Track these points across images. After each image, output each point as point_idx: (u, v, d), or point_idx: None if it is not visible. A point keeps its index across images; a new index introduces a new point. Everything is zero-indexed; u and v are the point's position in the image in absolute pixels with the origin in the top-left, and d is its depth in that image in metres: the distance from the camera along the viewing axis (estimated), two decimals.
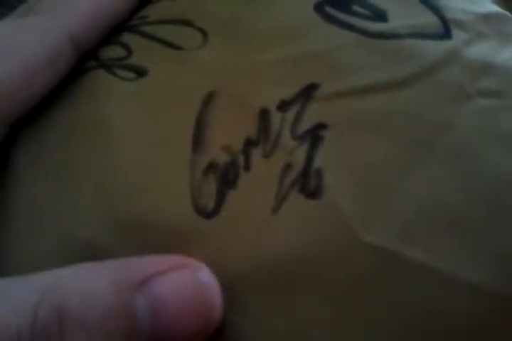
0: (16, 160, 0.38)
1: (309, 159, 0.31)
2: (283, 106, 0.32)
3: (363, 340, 0.30)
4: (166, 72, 0.35)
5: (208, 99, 0.33)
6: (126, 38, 0.39)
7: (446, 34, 0.37)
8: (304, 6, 0.36)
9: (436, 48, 0.36)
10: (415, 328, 0.30)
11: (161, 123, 0.33)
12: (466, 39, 0.38)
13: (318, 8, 0.36)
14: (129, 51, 0.37)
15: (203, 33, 0.36)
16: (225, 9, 0.37)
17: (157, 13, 0.39)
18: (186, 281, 0.29)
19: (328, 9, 0.36)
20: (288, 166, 0.31)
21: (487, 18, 0.41)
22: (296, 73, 0.34)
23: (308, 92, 0.33)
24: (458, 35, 0.37)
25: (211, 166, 0.31)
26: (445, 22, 0.38)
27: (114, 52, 0.38)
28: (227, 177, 0.31)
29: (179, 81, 0.35)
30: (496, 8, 0.45)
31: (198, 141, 0.32)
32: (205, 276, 0.30)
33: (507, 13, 0.46)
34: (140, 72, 0.35)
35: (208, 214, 0.31)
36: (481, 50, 0.38)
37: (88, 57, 0.39)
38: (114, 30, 0.41)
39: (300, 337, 0.30)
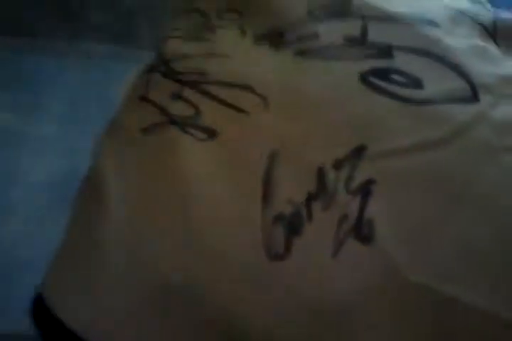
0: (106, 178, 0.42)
1: (362, 210, 0.36)
2: (337, 164, 0.38)
3: None
4: (234, 134, 0.41)
5: (273, 159, 0.39)
6: (191, 95, 0.44)
7: (474, 98, 0.43)
8: (350, 76, 0.42)
9: (466, 111, 0.42)
10: None
11: (234, 181, 0.39)
12: (492, 101, 0.43)
13: (363, 78, 0.42)
14: (198, 110, 0.43)
15: (264, 99, 0.42)
16: (281, 76, 0.43)
17: (217, 71, 0.44)
18: None
19: (372, 79, 0.42)
20: (344, 217, 0.36)
21: (509, 79, 0.46)
22: (346, 136, 0.39)
23: (358, 152, 0.38)
24: (485, 98, 0.43)
25: (279, 217, 0.37)
26: (473, 87, 0.43)
27: (182, 109, 0.43)
28: (293, 226, 0.37)
29: (246, 142, 0.40)
30: None
31: (266, 195, 0.38)
32: None
33: None
34: (211, 133, 0.41)
35: (279, 258, 0.36)
36: (506, 111, 0.43)
37: (149, 105, 0.45)
38: (169, 77, 0.46)
39: None
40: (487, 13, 0.54)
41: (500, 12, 0.56)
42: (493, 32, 0.52)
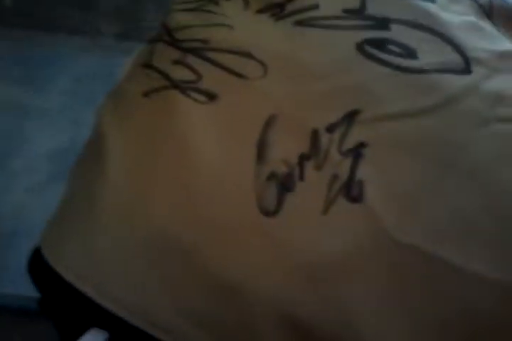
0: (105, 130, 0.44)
1: (352, 171, 0.38)
2: (330, 128, 0.39)
3: (406, 328, 0.36)
4: (233, 98, 0.42)
5: (269, 122, 0.40)
6: (193, 60, 0.45)
7: (467, 70, 0.44)
8: (347, 45, 0.43)
9: (458, 81, 0.43)
10: (439, 313, 0.36)
11: (231, 141, 0.40)
12: (485, 74, 0.44)
13: (360, 47, 0.43)
14: (199, 75, 0.44)
15: (263, 65, 0.43)
16: (280, 44, 0.44)
17: (218, 39, 0.46)
18: None
19: (368, 48, 0.43)
20: (335, 176, 0.38)
21: (503, 55, 0.47)
22: (341, 101, 0.41)
23: (351, 117, 0.40)
24: (477, 71, 0.44)
25: (272, 175, 0.38)
26: (466, 59, 0.44)
27: (184, 74, 0.44)
28: (285, 184, 0.38)
29: (244, 106, 0.42)
30: None
31: (261, 155, 0.39)
32: None
33: None
34: (211, 97, 0.42)
35: (270, 213, 0.37)
36: (497, 83, 0.44)
37: (152, 71, 0.46)
38: (173, 46, 0.47)
39: (347, 326, 0.36)
40: None
41: None
42: (489, 11, 0.53)
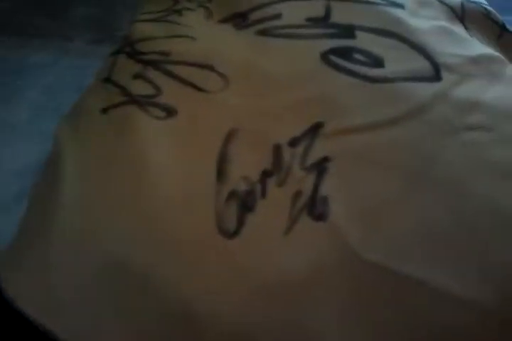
0: (61, 149, 0.42)
1: (316, 187, 0.36)
2: (293, 142, 0.38)
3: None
4: (193, 112, 0.41)
5: (229, 137, 0.38)
6: (153, 74, 0.44)
7: (436, 77, 0.42)
8: (311, 55, 0.42)
9: (426, 89, 0.41)
10: (404, 332, 0.34)
11: (190, 158, 0.39)
12: (455, 80, 0.43)
13: (324, 57, 0.41)
14: (158, 90, 0.42)
15: (224, 77, 0.42)
16: (242, 55, 0.43)
17: (179, 51, 0.44)
18: None
19: (332, 58, 0.41)
20: (298, 193, 0.36)
21: (476, 60, 0.46)
22: (304, 113, 0.39)
23: (314, 130, 0.38)
24: (447, 77, 0.43)
25: (232, 194, 0.37)
26: (436, 66, 0.43)
27: (143, 88, 0.43)
28: (246, 203, 0.36)
29: (204, 120, 0.40)
30: (487, 51, 0.50)
31: (221, 172, 0.37)
32: None
33: (498, 54, 0.51)
34: (170, 112, 0.41)
35: (230, 235, 0.36)
36: (469, 89, 0.43)
37: (111, 85, 0.44)
38: (134, 58, 0.46)
39: None
40: None
41: None
42: (461, 14, 0.52)
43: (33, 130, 0.84)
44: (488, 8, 0.56)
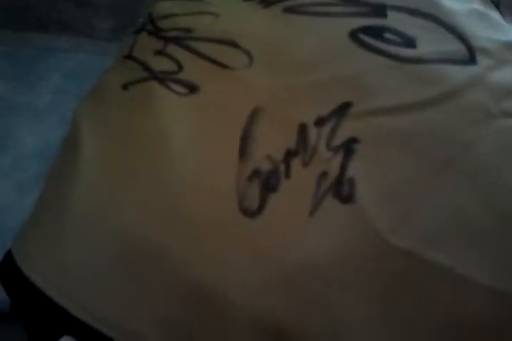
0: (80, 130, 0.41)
1: (343, 168, 0.35)
2: (319, 122, 0.36)
3: (397, 337, 0.33)
4: (216, 89, 0.39)
5: (253, 115, 0.37)
6: (174, 50, 0.42)
7: (471, 60, 0.41)
8: (340, 33, 0.40)
9: (461, 73, 0.39)
10: (435, 324, 0.33)
11: (212, 135, 0.37)
12: (491, 65, 0.41)
13: (353, 35, 0.40)
14: (180, 66, 0.41)
15: (249, 54, 0.40)
16: (268, 32, 0.42)
17: (202, 28, 0.43)
18: None
19: (362, 36, 0.40)
20: (324, 174, 0.35)
21: (510, 45, 0.45)
22: (331, 93, 0.37)
23: (342, 110, 0.37)
24: (483, 61, 0.41)
25: (255, 173, 0.35)
26: (471, 49, 0.41)
27: (164, 64, 0.42)
28: (269, 183, 0.35)
29: (227, 98, 0.39)
30: None
31: (243, 150, 0.36)
32: None
33: None
34: (192, 88, 0.40)
35: (252, 214, 0.34)
36: (505, 75, 0.41)
37: (132, 62, 0.43)
38: (155, 35, 0.45)
39: (332, 336, 0.33)
40: None
41: None
42: (496, 0, 0.50)
43: (54, 113, 0.84)
44: None
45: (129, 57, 0.45)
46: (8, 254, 0.42)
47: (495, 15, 0.48)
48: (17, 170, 0.77)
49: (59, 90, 0.85)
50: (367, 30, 0.40)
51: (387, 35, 0.40)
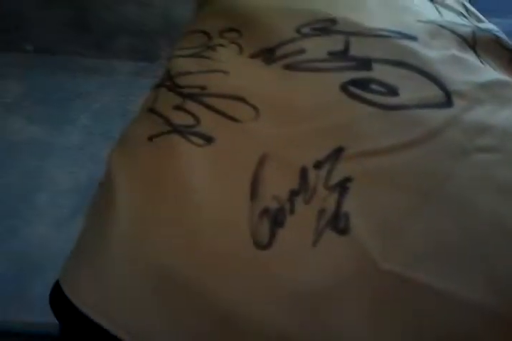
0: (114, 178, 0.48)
1: (339, 205, 0.41)
2: (317, 165, 0.43)
3: None
4: (228, 140, 0.46)
5: (261, 161, 0.43)
6: (191, 106, 0.49)
7: (448, 103, 0.47)
8: (333, 86, 0.47)
9: (439, 115, 0.45)
10: (419, 335, 0.38)
11: (227, 180, 0.44)
12: (465, 106, 0.47)
13: (344, 88, 0.46)
14: (197, 120, 0.48)
15: (255, 108, 0.47)
16: (271, 88, 0.48)
17: (214, 85, 0.50)
18: None
19: (351, 88, 0.46)
20: (323, 210, 0.41)
21: (485, 85, 0.50)
22: (327, 139, 0.44)
23: (336, 154, 0.43)
24: (458, 103, 0.47)
25: (265, 211, 0.42)
26: (447, 93, 0.47)
27: (183, 119, 0.48)
28: (277, 219, 0.41)
29: (239, 147, 0.45)
30: (497, 76, 0.54)
31: (254, 192, 0.42)
32: None
33: (509, 79, 0.54)
34: (208, 140, 0.46)
35: (263, 247, 0.40)
36: (479, 114, 0.47)
37: (155, 116, 0.50)
38: (174, 91, 0.51)
39: None
40: (467, 24, 0.58)
41: (480, 23, 0.59)
42: (472, 43, 0.56)
43: (84, 153, 0.92)
44: (500, 35, 0.59)
45: (152, 110, 0.52)
46: (57, 285, 0.48)
47: (471, 58, 0.54)
48: (53, 207, 0.84)
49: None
50: (355, 82, 0.47)
51: (373, 86, 0.46)
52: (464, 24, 0.58)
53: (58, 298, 0.47)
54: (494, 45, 0.58)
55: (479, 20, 0.64)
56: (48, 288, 0.48)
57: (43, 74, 1.04)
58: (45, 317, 0.63)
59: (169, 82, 0.54)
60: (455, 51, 0.53)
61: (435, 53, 0.51)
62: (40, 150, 0.92)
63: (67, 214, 0.82)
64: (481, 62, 0.54)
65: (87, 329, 0.44)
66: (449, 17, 0.58)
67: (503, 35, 0.59)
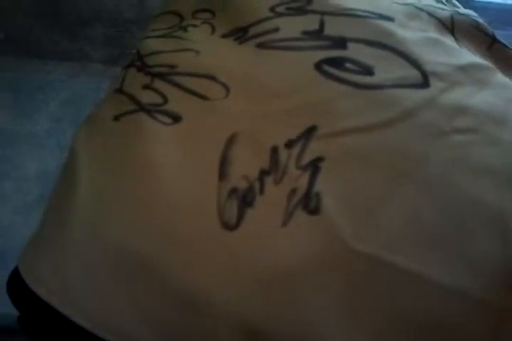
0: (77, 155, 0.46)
1: (310, 184, 0.39)
2: (289, 144, 0.41)
3: (361, 333, 0.37)
4: (197, 119, 0.44)
5: (230, 140, 0.42)
6: (160, 85, 0.47)
7: (424, 84, 0.45)
8: (306, 64, 0.45)
9: (415, 95, 0.44)
10: (397, 321, 0.37)
11: (194, 160, 0.42)
12: (443, 87, 0.46)
13: (318, 66, 0.45)
14: (165, 98, 0.46)
15: (226, 86, 0.45)
16: (243, 66, 0.47)
17: (184, 64, 0.48)
18: None
19: (326, 67, 0.45)
20: (294, 190, 0.39)
21: (464, 68, 0.49)
22: (300, 118, 0.42)
23: (309, 133, 0.41)
24: (436, 84, 0.46)
25: (233, 191, 0.40)
26: (424, 74, 0.46)
27: (151, 97, 0.47)
28: (246, 199, 0.40)
29: (207, 126, 0.44)
30: (475, 59, 0.53)
31: (222, 172, 0.41)
32: None
33: (487, 63, 0.54)
34: (176, 118, 0.44)
35: (231, 227, 0.39)
36: (456, 96, 0.46)
37: (122, 95, 0.48)
38: (143, 71, 0.49)
39: (306, 337, 0.37)
40: (446, 8, 0.57)
41: (459, 9, 0.59)
42: (450, 26, 0.55)
43: (52, 140, 0.89)
44: (478, 19, 0.59)
45: (120, 91, 0.50)
46: (15, 271, 0.46)
47: (449, 41, 0.53)
48: (19, 193, 0.81)
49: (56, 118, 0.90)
50: (329, 61, 0.45)
51: (348, 65, 0.45)
52: (442, 8, 0.57)
53: (17, 285, 0.45)
54: (473, 30, 0.57)
55: (458, 7, 0.63)
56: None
57: (12, 62, 1.01)
58: (3, 308, 0.61)
59: (139, 62, 0.52)
60: (432, 33, 0.52)
61: (412, 34, 0.50)
62: (7, 137, 0.89)
63: (33, 201, 0.80)
64: (459, 46, 0.54)
65: (47, 316, 0.42)
66: (426, 1, 0.58)
67: (482, 21, 0.59)
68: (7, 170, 0.85)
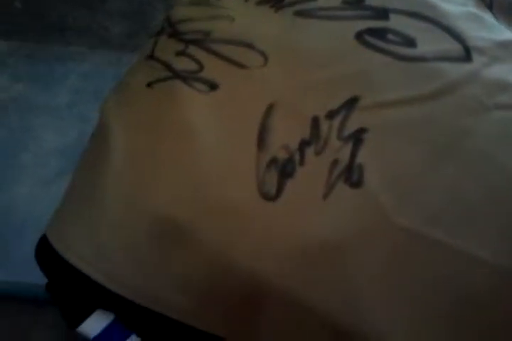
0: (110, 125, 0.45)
1: (353, 156, 0.38)
2: (330, 114, 0.40)
3: (414, 314, 0.37)
4: (234, 87, 0.43)
5: (269, 110, 0.41)
6: (195, 51, 0.46)
7: (467, 58, 0.44)
8: (347, 34, 0.44)
9: (458, 69, 0.43)
10: (435, 293, 0.37)
11: (232, 129, 0.41)
12: (485, 62, 0.45)
13: (359, 36, 0.43)
14: (201, 66, 0.45)
15: (264, 55, 0.44)
16: (280, 34, 0.45)
17: (219, 31, 0.47)
18: None
19: (367, 37, 0.43)
20: (335, 161, 0.38)
21: (504, 44, 0.48)
22: (341, 89, 0.41)
23: (350, 104, 0.40)
24: (478, 59, 0.45)
25: (273, 161, 0.39)
26: (467, 48, 0.45)
27: (186, 64, 0.45)
28: (285, 170, 0.39)
29: (245, 94, 0.42)
30: None
31: (261, 141, 0.40)
32: None
33: None
34: (212, 86, 0.43)
35: (271, 198, 0.38)
36: (498, 71, 0.45)
37: (154, 62, 0.47)
38: (175, 38, 0.48)
39: (350, 310, 0.37)
40: None
41: None
42: (489, 2, 0.54)
43: (72, 113, 0.88)
44: None
45: (152, 57, 0.49)
46: (43, 239, 0.45)
47: (488, 17, 0.52)
48: (38, 166, 0.81)
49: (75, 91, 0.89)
50: (371, 31, 0.44)
51: (390, 36, 0.44)
52: None
53: (45, 251, 0.44)
54: (510, 6, 0.56)
55: None
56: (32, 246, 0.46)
57: (30, 33, 0.99)
58: (27, 277, 0.61)
59: (170, 29, 0.51)
60: (472, 8, 0.51)
61: (453, 8, 0.48)
62: (26, 109, 0.88)
63: (53, 174, 0.79)
64: (498, 21, 0.52)
65: (76, 282, 0.42)
66: None
67: None
68: (26, 142, 0.84)
